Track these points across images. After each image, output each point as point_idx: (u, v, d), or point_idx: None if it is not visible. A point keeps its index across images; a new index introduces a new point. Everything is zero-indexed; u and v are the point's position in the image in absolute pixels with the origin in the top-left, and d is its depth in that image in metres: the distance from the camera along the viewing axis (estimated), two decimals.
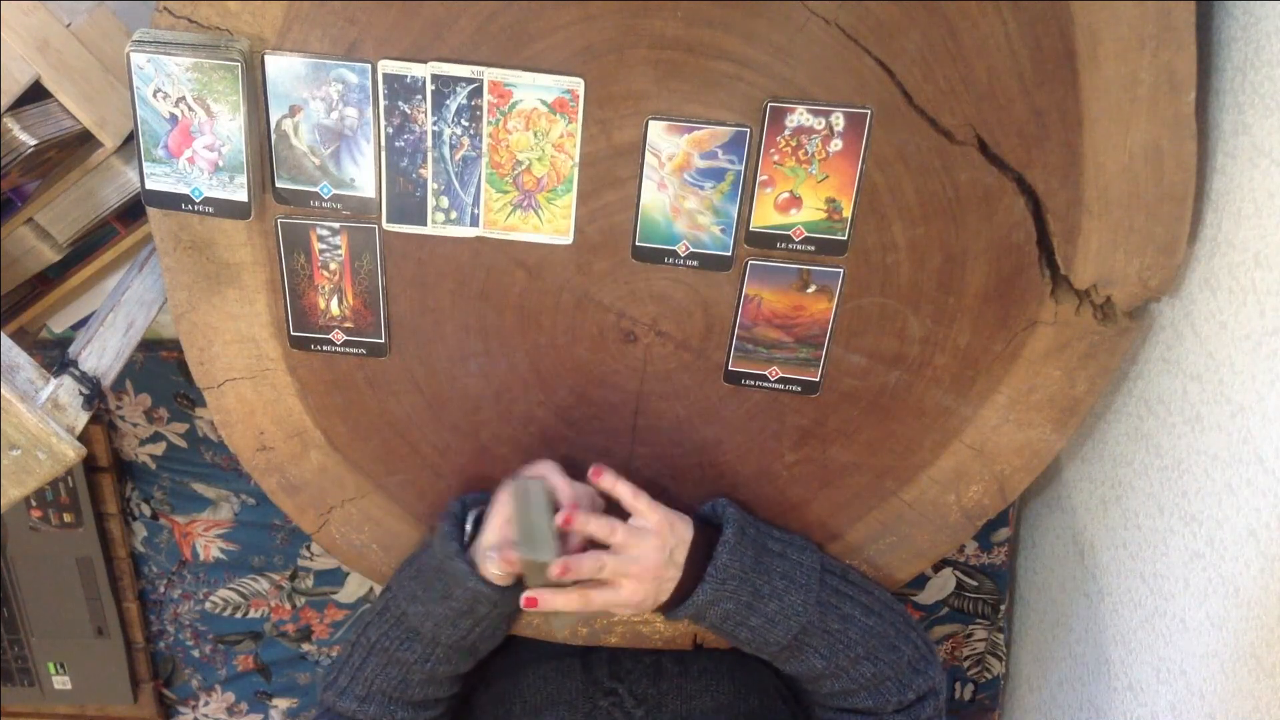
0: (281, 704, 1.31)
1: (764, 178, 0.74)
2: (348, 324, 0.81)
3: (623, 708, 0.84)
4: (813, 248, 0.76)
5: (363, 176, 0.75)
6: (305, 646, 1.27)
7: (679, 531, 0.78)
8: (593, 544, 0.77)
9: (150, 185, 0.74)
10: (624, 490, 0.77)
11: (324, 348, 0.82)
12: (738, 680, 0.88)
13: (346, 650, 0.86)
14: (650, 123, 0.73)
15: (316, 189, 0.76)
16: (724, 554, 0.78)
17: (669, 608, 0.80)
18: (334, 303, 0.80)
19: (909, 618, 0.87)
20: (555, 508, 0.75)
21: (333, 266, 0.79)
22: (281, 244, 0.78)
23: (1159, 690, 0.83)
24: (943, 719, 0.86)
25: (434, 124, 0.73)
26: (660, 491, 0.83)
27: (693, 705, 0.84)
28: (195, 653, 1.28)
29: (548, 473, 0.79)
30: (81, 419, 0.79)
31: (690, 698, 0.85)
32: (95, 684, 1.27)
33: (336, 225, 0.77)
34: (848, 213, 0.75)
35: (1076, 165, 0.72)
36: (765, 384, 0.82)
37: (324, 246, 0.78)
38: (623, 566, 0.75)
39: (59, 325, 1.01)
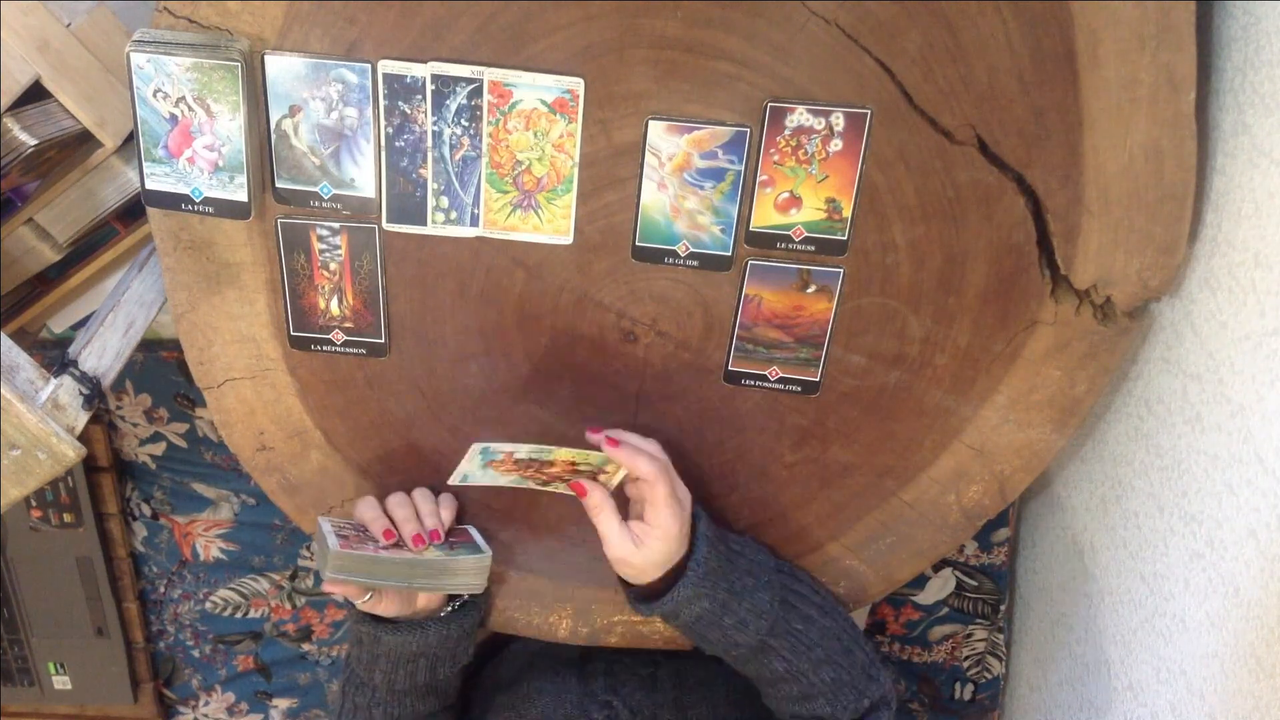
0: (281, 704, 1.31)
1: (764, 178, 0.74)
2: (348, 324, 0.81)
3: None
4: (813, 248, 0.76)
5: (363, 176, 0.75)
6: (305, 646, 1.27)
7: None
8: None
9: (150, 185, 0.74)
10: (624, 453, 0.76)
11: (324, 348, 0.82)
12: (733, 693, 0.87)
13: (336, 707, 0.89)
14: (650, 123, 0.73)
15: (316, 189, 0.76)
16: (703, 548, 0.75)
17: (647, 600, 0.78)
18: (334, 303, 0.80)
19: (855, 622, 0.86)
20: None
21: (333, 266, 0.79)
22: (281, 244, 0.78)
23: (1159, 690, 0.83)
24: None
25: (434, 124, 0.73)
26: None
27: (688, 717, 0.84)
28: (195, 653, 1.28)
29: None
30: (81, 419, 0.79)
31: (685, 709, 0.84)
32: (95, 684, 1.27)
33: (336, 225, 0.77)
34: (848, 213, 0.75)
35: (1076, 165, 0.72)
36: (765, 384, 0.82)
37: (324, 246, 0.78)
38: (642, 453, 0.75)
39: (59, 325, 1.01)
